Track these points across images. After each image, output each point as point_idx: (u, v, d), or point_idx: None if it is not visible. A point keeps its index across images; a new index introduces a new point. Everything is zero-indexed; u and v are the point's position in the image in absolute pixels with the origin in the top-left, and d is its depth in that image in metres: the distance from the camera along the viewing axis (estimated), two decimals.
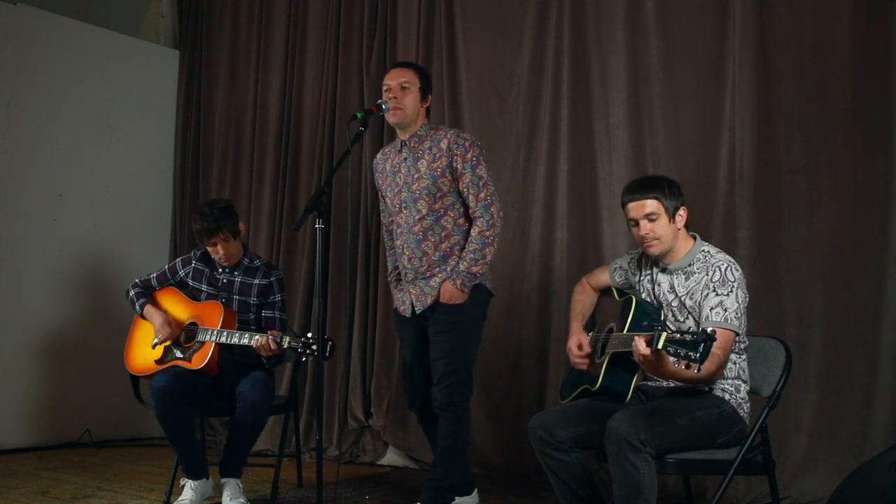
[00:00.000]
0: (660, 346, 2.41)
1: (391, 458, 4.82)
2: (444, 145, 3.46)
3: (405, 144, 3.55)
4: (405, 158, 3.54)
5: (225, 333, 3.55)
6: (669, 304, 2.87)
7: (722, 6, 3.95)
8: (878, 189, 3.58)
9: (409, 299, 3.55)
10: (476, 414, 4.14)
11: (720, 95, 3.94)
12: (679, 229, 2.84)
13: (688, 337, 2.34)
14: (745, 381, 2.83)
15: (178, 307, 3.78)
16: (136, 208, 5.67)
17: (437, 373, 3.44)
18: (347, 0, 5.19)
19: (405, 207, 3.52)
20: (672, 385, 2.85)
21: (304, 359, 3.29)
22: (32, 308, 5.11)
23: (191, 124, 5.88)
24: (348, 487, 4.10)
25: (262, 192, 5.45)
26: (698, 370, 2.36)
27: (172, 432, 3.51)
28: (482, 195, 3.43)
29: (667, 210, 2.81)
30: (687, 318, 2.83)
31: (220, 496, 3.59)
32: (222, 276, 3.79)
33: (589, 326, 3.12)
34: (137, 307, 3.79)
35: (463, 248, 3.44)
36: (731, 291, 2.72)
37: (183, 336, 3.70)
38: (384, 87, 3.53)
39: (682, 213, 2.84)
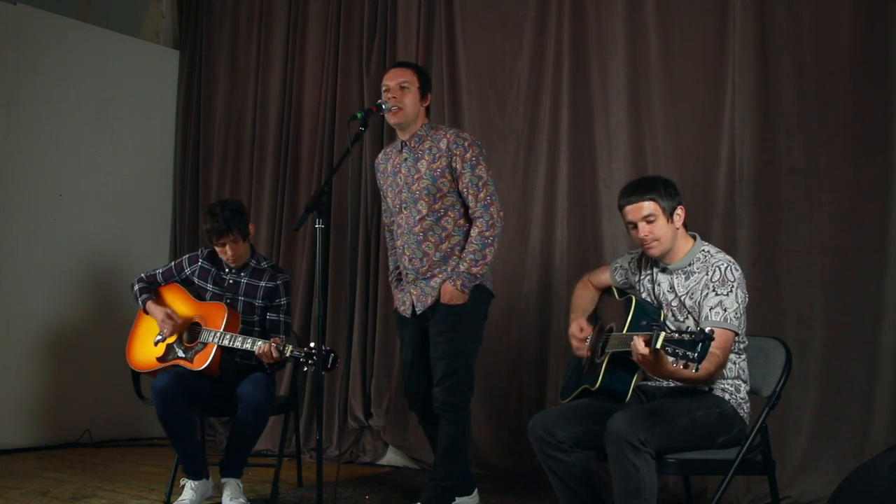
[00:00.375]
0: (658, 345, 2.41)
1: (391, 458, 4.82)
2: (443, 145, 3.46)
3: (405, 145, 3.55)
4: (405, 159, 3.54)
5: (228, 337, 3.55)
6: (669, 304, 2.87)
7: (722, 6, 3.95)
8: (878, 189, 3.58)
9: (409, 300, 3.54)
10: (476, 414, 4.14)
11: (720, 95, 3.94)
12: (678, 229, 2.84)
13: (686, 337, 2.34)
14: (745, 381, 2.83)
15: (181, 305, 3.76)
16: (136, 208, 5.67)
17: (437, 373, 3.44)
18: (347, 0, 5.19)
19: (406, 208, 3.52)
20: (672, 385, 2.85)
21: (304, 369, 3.30)
22: (32, 308, 5.11)
23: (191, 124, 5.88)
24: (348, 487, 4.10)
25: (262, 192, 5.45)
26: (696, 370, 2.36)
27: (173, 432, 3.51)
28: (482, 195, 3.42)
29: (664, 210, 2.80)
30: (687, 317, 2.83)
31: (221, 496, 3.59)
32: (229, 277, 3.78)
33: (591, 322, 3.11)
34: (140, 302, 3.77)
35: (463, 249, 3.45)
36: (731, 291, 2.72)
37: (186, 335, 3.70)
38: (383, 88, 3.53)
39: (679, 213, 2.84)
